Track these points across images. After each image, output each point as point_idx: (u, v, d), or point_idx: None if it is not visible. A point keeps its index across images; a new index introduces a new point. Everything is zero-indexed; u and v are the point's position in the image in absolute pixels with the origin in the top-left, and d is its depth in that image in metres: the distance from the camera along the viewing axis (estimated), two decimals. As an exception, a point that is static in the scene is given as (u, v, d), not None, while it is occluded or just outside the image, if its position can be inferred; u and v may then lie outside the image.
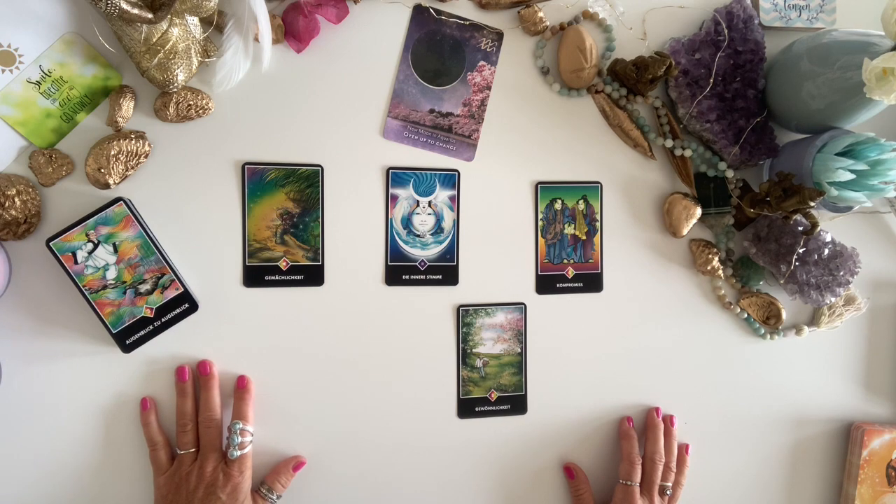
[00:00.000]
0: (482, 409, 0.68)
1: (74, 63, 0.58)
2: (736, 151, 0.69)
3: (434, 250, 0.67)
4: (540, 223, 0.70)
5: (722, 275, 0.72)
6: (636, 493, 0.67)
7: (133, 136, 0.59)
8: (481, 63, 0.68)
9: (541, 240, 0.70)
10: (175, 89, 0.59)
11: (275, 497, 0.61)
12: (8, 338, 0.59)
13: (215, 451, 0.60)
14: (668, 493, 0.69)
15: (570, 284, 0.70)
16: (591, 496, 0.68)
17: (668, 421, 0.71)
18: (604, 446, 0.71)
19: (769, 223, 0.70)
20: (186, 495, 0.57)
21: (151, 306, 0.60)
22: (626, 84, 0.69)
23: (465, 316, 0.68)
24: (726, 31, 0.67)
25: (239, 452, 0.59)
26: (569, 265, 0.70)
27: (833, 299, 0.71)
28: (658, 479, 0.68)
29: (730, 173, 0.70)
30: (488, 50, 0.68)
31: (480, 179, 0.68)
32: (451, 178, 0.67)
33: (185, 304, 0.61)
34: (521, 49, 0.69)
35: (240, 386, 0.62)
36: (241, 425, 0.60)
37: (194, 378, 0.62)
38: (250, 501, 0.59)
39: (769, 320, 0.73)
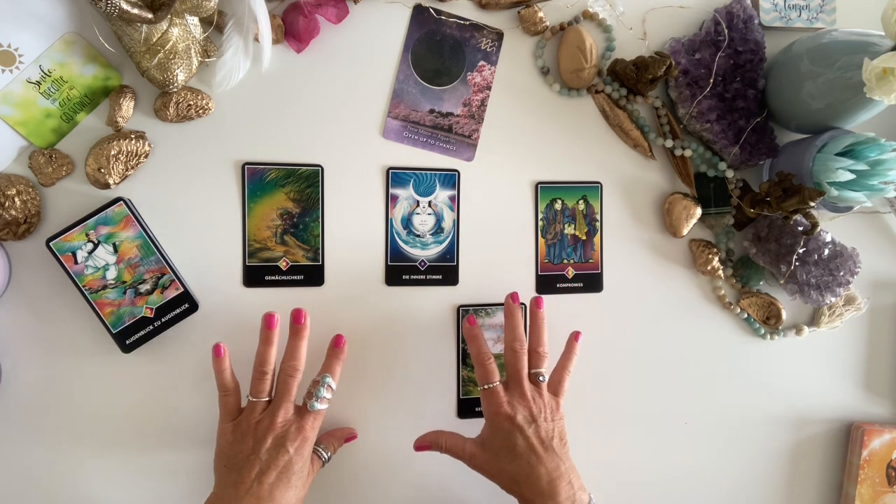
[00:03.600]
0: (482, 409, 0.68)
1: (74, 63, 0.58)
2: (736, 151, 0.69)
3: (434, 250, 0.67)
4: (540, 223, 0.70)
5: (722, 275, 0.72)
6: (500, 392, 0.59)
7: (133, 136, 0.59)
8: (481, 63, 0.68)
9: (541, 240, 0.70)
10: (175, 89, 0.59)
11: (327, 457, 0.60)
12: (8, 338, 0.59)
13: (289, 402, 0.56)
14: (541, 378, 0.61)
15: (570, 284, 0.70)
16: (463, 440, 0.61)
17: (534, 304, 0.63)
18: (604, 446, 0.71)
19: (769, 223, 0.70)
20: (253, 444, 0.54)
21: (151, 306, 0.60)
22: (626, 84, 0.69)
23: (465, 316, 0.68)
24: (726, 31, 0.67)
25: (319, 406, 0.56)
26: (569, 265, 0.70)
27: (833, 299, 0.71)
28: (524, 366, 0.60)
29: (730, 173, 0.70)
30: (488, 50, 0.68)
31: (480, 179, 0.68)
32: (451, 178, 0.67)
33: (185, 304, 0.61)
34: (521, 49, 0.69)
35: (336, 345, 0.60)
36: (329, 379, 0.58)
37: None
38: (310, 461, 0.57)
39: (769, 320, 0.73)
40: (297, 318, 0.59)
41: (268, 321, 0.57)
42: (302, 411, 0.57)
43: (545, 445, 0.58)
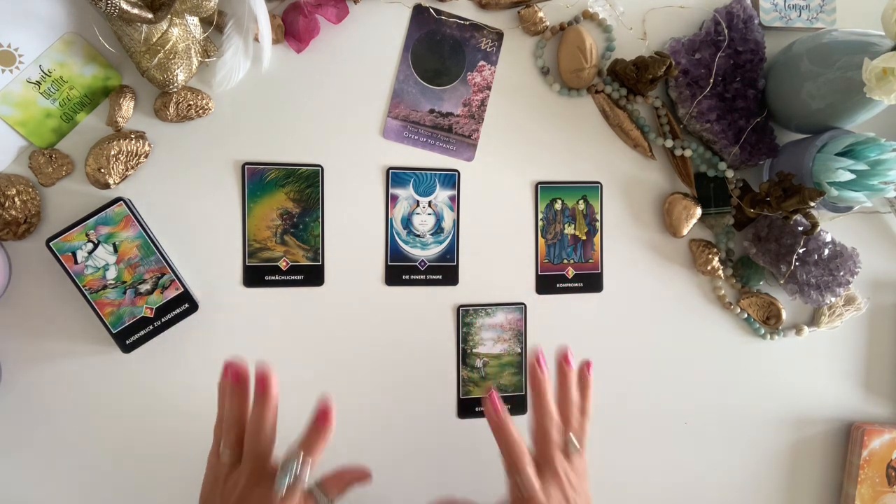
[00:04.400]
0: (482, 409, 0.68)
1: (74, 63, 0.58)
2: (736, 151, 0.69)
3: (434, 250, 0.67)
4: (540, 223, 0.70)
5: (722, 275, 0.72)
6: (533, 486, 0.51)
7: (133, 136, 0.59)
8: (481, 63, 0.68)
9: (541, 240, 0.70)
10: (175, 89, 0.59)
11: (325, 502, 0.51)
12: (8, 338, 0.59)
13: (260, 480, 0.48)
14: (574, 449, 0.53)
15: (570, 284, 0.70)
16: None
17: (563, 360, 0.56)
18: (604, 446, 0.71)
19: (769, 223, 0.70)
20: (221, 501, 0.48)
21: (151, 306, 0.60)
22: (626, 84, 0.69)
23: (465, 316, 0.68)
24: (726, 31, 0.67)
25: (285, 488, 0.47)
26: (569, 265, 0.70)
27: (833, 299, 0.71)
28: (556, 444, 0.53)
29: (730, 173, 0.70)
30: (488, 50, 0.68)
31: (480, 179, 0.68)
32: (451, 178, 0.67)
33: (185, 304, 0.61)
34: (521, 49, 0.69)
35: (322, 419, 0.50)
36: (305, 459, 0.48)
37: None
38: None
39: (769, 320, 0.73)
40: (262, 382, 0.51)
41: (225, 370, 0.51)
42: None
43: None
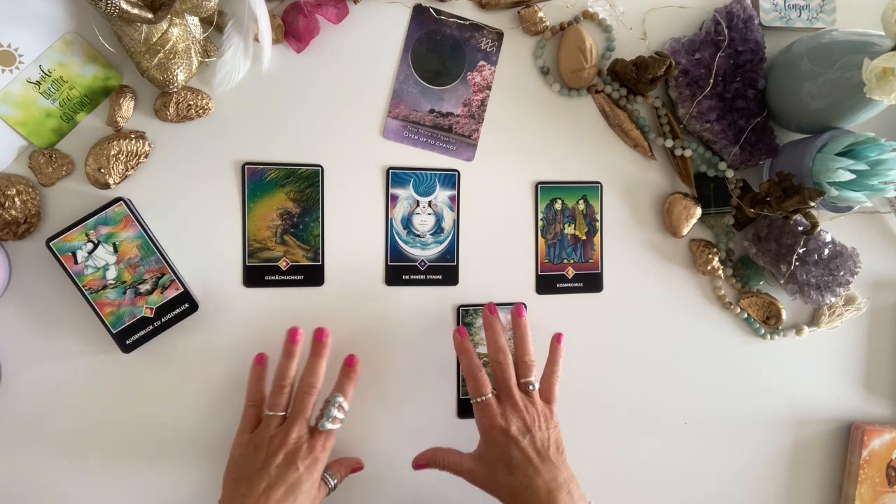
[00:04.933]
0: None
1: (74, 63, 0.58)
2: (736, 151, 0.69)
3: (434, 250, 0.67)
4: (540, 223, 0.70)
5: (722, 275, 0.72)
6: (492, 404, 0.58)
7: (133, 136, 0.59)
8: (481, 63, 0.68)
9: (541, 240, 0.70)
10: (175, 89, 0.59)
11: (333, 484, 0.59)
12: (8, 338, 0.59)
13: (304, 419, 0.56)
14: (531, 388, 0.60)
15: (570, 284, 0.70)
16: (461, 457, 0.61)
17: (515, 313, 0.63)
18: (604, 446, 0.71)
19: (769, 223, 0.70)
20: (265, 458, 0.54)
21: (151, 306, 0.60)
22: (626, 84, 0.69)
23: (465, 316, 0.68)
24: (726, 31, 0.67)
25: (330, 426, 0.56)
26: (569, 265, 0.70)
27: (833, 299, 0.71)
28: (511, 377, 0.60)
29: (730, 173, 0.70)
30: (488, 50, 0.68)
31: (480, 179, 0.68)
32: (451, 178, 0.67)
33: (185, 304, 0.61)
34: (521, 49, 0.69)
35: (348, 364, 0.60)
36: (341, 399, 0.58)
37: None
38: (318, 483, 0.56)
39: (769, 320, 0.73)
40: (318, 336, 0.60)
41: (291, 335, 0.59)
42: (314, 431, 0.56)
43: (542, 456, 0.57)
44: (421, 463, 0.62)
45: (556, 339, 0.64)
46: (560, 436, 0.60)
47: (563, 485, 0.56)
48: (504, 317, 0.68)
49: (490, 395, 0.59)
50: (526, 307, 0.64)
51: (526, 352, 0.61)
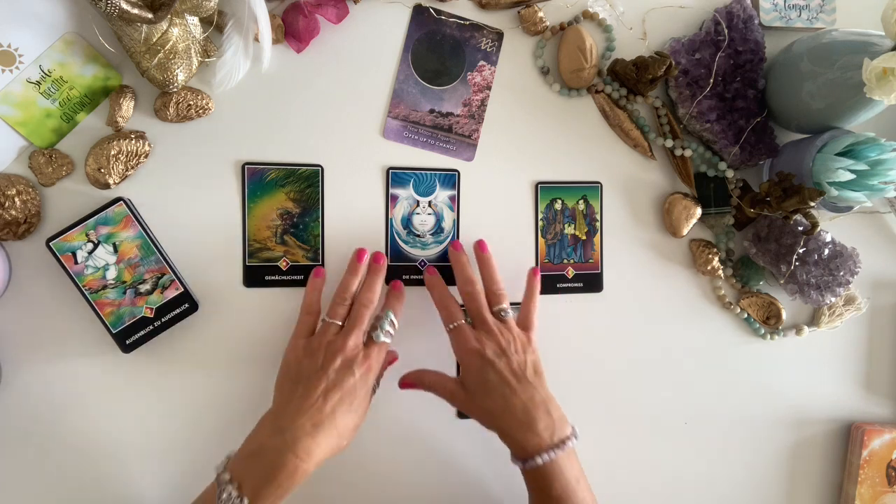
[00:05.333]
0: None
1: (74, 63, 0.58)
2: (736, 151, 0.69)
3: (434, 250, 0.67)
4: (540, 223, 0.70)
5: (722, 275, 0.72)
6: (465, 329, 0.60)
7: (133, 136, 0.59)
8: (481, 63, 0.68)
9: (541, 240, 0.70)
10: (175, 89, 0.59)
11: (376, 386, 0.60)
12: (8, 338, 0.59)
13: (361, 330, 0.58)
14: (504, 314, 0.61)
15: (570, 284, 0.70)
16: (446, 379, 0.62)
17: (478, 248, 0.64)
18: (604, 446, 0.71)
19: (769, 223, 0.70)
20: (323, 361, 0.55)
21: (151, 306, 0.60)
22: (626, 84, 0.69)
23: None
24: (726, 31, 0.67)
25: (384, 338, 0.58)
26: (569, 265, 0.70)
27: (833, 299, 0.71)
28: (483, 304, 0.61)
29: (730, 173, 0.70)
30: (488, 50, 0.68)
31: (480, 179, 0.68)
32: (451, 178, 0.67)
33: (185, 304, 0.61)
34: (521, 49, 0.69)
35: (395, 288, 0.63)
36: (392, 315, 0.60)
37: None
38: (370, 392, 0.58)
39: (769, 320, 0.73)
40: (377, 258, 0.62)
41: (358, 254, 0.62)
42: (368, 342, 0.58)
43: (518, 377, 0.58)
44: (407, 382, 0.63)
45: (533, 272, 0.66)
46: (539, 360, 0.61)
47: (540, 404, 0.57)
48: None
49: (463, 321, 0.60)
50: (486, 243, 0.65)
51: (494, 282, 0.62)
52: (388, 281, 0.65)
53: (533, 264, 0.69)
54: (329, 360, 0.55)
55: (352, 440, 0.56)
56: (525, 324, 0.63)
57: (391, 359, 0.63)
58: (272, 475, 0.50)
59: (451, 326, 0.61)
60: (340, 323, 0.58)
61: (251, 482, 0.50)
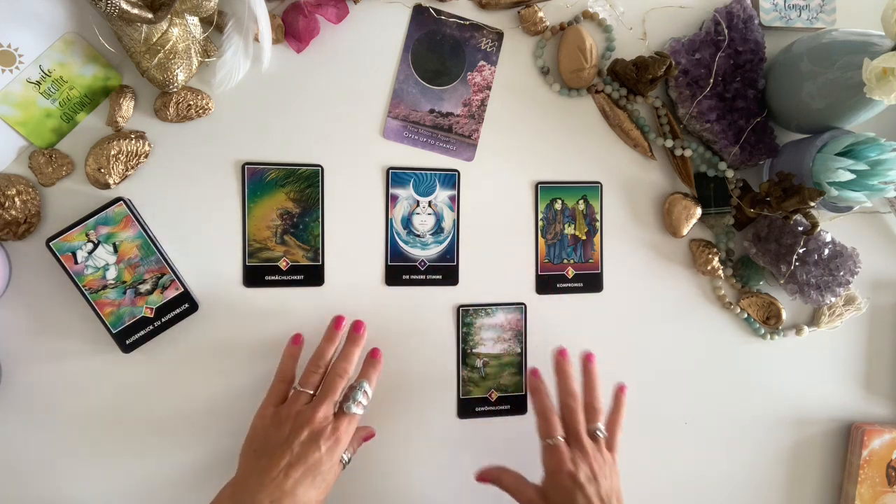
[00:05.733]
0: (482, 409, 0.68)
1: (74, 63, 0.58)
2: (736, 151, 0.69)
3: (434, 250, 0.67)
4: (540, 223, 0.70)
5: (722, 275, 0.72)
6: (563, 449, 0.59)
7: (133, 136, 0.59)
8: (481, 63, 0.68)
9: (541, 240, 0.70)
10: (175, 89, 0.59)
11: (347, 459, 0.58)
12: (8, 338, 0.59)
13: (332, 401, 0.57)
14: (600, 433, 0.61)
15: (570, 284, 0.70)
16: (526, 485, 0.61)
17: (586, 359, 0.65)
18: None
19: (769, 223, 0.70)
20: (289, 433, 0.54)
21: (151, 306, 0.60)
22: (626, 84, 0.69)
23: (465, 316, 0.68)
24: (726, 31, 0.67)
25: (355, 410, 0.57)
26: (569, 265, 0.70)
27: (833, 299, 0.71)
28: (581, 422, 0.61)
29: (730, 173, 0.70)
30: (488, 50, 0.68)
31: (480, 179, 0.68)
32: (450, 179, 0.67)
33: (185, 304, 0.61)
34: (521, 49, 0.69)
35: (373, 356, 0.63)
36: (367, 386, 0.59)
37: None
38: (337, 468, 0.57)
39: (769, 320, 0.73)
40: (357, 328, 0.62)
41: (336, 322, 0.62)
42: (339, 413, 0.57)
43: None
44: (485, 477, 0.63)
45: (621, 389, 0.66)
46: (619, 486, 0.60)
47: None
48: (505, 317, 0.68)
49: (561, 438, 0.60)
50: (594, 355, 0.66)
51: (594, 397, 0.63)
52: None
53: (533, 265, 0.69)
54: (296, 431, 0.54)
55: None
56: (611, 444, 0.62)
57: (367, 435, 0.63)
58: None
59: (549, 442, 0.60)
60: (312, 392, 0.58)
61: None
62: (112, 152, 0.58)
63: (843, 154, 0.64)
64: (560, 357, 0.65)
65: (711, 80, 0.67)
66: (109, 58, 0.59)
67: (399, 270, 0.67)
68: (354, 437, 0.61)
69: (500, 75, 0.68)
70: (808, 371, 0.76)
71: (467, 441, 0.68)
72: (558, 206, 0.70)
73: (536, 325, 0.69)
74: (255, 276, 0.64)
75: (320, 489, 0.54)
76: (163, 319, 0.60)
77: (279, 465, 0.52)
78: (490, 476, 0.63)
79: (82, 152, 0.60)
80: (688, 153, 0.70)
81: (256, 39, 0.61)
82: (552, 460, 0.59)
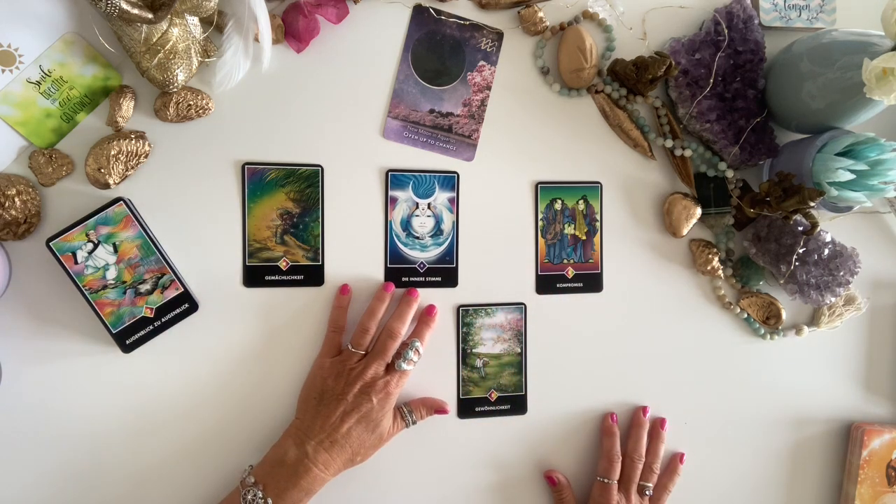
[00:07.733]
0: (482, 409, 0.68)
1: (74, 63, 0.58)
2: (736, 151, 0.69)
3: (433, 252, 0.67)
4: (540, 223, 0.70)
5: (722, 275, 0.72)
6: (613, 491, 0.67)
7: (133, 136, 0.59)
8: (481, 63, 0.68)
9: (541, 240, 0.70)
10: (175, 89, 0.59)
11: (411, 420, 0.65)
12: (8, 338, 0.59)
13: (383, 360, 0.62)
14: (647, 492, 0.69)
15: (570, 284, 0.70)
16: (573, 499, 0.68)
17: (658, 424, 0.71)
18: (604, 446, 0.71)
19: (769, 223, 0.70)
20: (343, 387, 0.60)
21: (151, 306, 0.60)
22: (626, 84, 0.69)
23: (465, 316, 0.68)
24: (726, 31, 0.67)
25: (406, 367, 0.62)
26: (569, 265, 0.70)
27: (833, 299, 0.71)
28: (637, 477, 0.68)
29: (730, 173, 0.70)
30: (488, 50, 0.68)
31: (480, 179, 0.68)
32: (450, 181, 0.67)
33: (185, 304, 0.61)
34: (521, 49, 0.69)
35: (429, 313, 0.66)
36: (419, 344, 0.63)
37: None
38: (391, 416, 0.62)
39: (769, 320, 0.73)
40: (412, 292, 0.66)
41: (387, 285, 0.65)
42: (390, 370, 0.62)
43: None
44: (553, 479, 0.68)
45: (679, 458, 0.72)
46: None
47: None
48: (505, 317, 0.68)
49: (615, 482, 0.67)
50: (666, 421, 0.72)
51: (655, 460, 0.70)
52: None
53: (533, 265, 0.69)
54: (349, 385, 0.60)
55: (369, 457, 0.62)
56: (654, 502, 0.70)
57: (439, 408, 0.66)
58: (295, 481, 0.57)
59: (605, 481, 0.67)
60: (363, 352, 0.62)
61: (275, 486, 0.57)
62: (112, 152, 0.59)
63: (842, 154, 0.64)
64: (641, 415, 0.70)
65: (711, 80, 0.67)
66: (109, 58, 0.59)
67: (398, 272, 0.67)
68: (426, 404, 0.66)
69: (500, 75, 0.68)
70: (808, 371, 0.76)
71: (467, 441, 0.68)
72: (558, 206, 0.70)
73: (536, 325, 0.69)
74: (255, 276, 0.64)
75: (374, 435, 0.61)
76: (163, 319, 0.60)
77: (336, 411, 0.59)
78: (557, 480, 0.68)
79: (82, 152, 0.60)
80: (688, 153, 0.70)
81: (256, 39, 0.61)
82: (601, 497, 0.66)
